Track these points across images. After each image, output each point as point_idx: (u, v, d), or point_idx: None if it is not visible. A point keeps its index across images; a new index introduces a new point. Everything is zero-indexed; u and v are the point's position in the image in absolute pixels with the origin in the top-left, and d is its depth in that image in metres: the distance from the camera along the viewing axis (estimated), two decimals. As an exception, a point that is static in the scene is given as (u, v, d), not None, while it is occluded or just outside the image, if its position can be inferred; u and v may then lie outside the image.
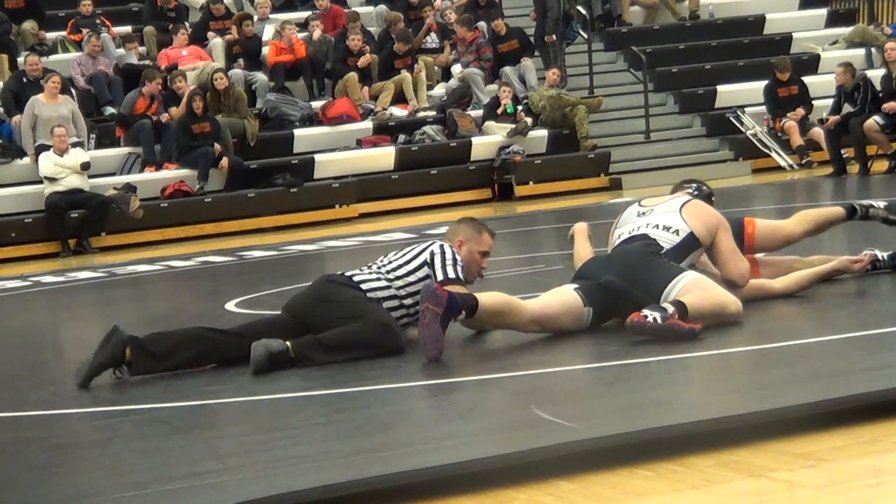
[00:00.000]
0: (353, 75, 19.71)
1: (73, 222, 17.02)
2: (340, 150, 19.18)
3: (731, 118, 20.29)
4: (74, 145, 17.31)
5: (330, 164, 18.94)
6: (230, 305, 9.76)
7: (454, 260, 6.89)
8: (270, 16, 21.03)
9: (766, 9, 23.43)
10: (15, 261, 16.50)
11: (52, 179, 17.03)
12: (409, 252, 7.03)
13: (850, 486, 4.13)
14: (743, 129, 20.11)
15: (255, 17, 20.67)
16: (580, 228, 7.56)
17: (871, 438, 4.62)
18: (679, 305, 6.47)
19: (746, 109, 20.30)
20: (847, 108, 17.89)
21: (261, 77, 19.76)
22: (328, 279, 7.06)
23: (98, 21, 20.33)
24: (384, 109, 19.77)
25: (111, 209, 17.16)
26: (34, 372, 7.95)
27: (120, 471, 4.95)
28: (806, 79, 20.03)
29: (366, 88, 19.92)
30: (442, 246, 6.96)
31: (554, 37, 20.99)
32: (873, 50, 21.42)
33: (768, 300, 7.27)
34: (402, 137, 19.49)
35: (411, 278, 6.89)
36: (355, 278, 6.92)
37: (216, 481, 4.60)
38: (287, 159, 18.86)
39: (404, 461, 4.63)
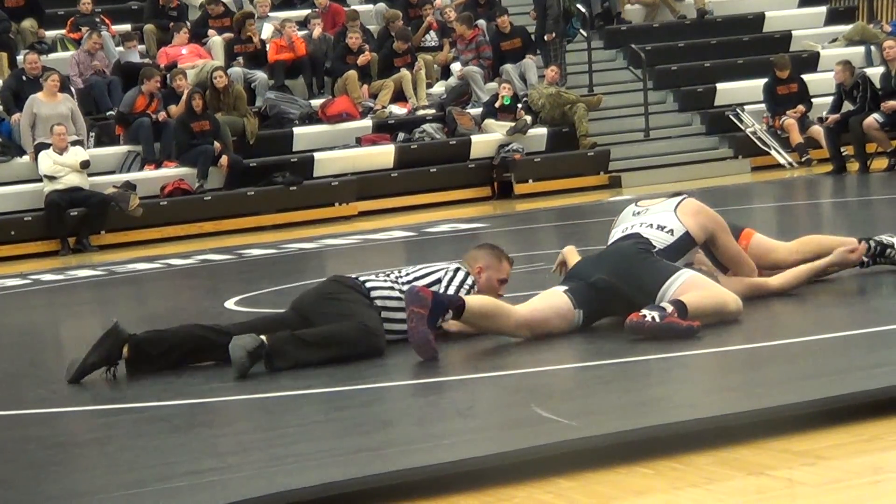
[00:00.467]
0: (352, 73, 19.71)
1: (73, 220, 17.02)
2: (340, 148, 19.18)
3: (731, 116, 20.28)
4: (74, 144, 17.31)
5: (329, 163, 18.93)
6: (230, 304, 9.76)
7: (462, 282, 6.94)
8: (270, 14, 21.01)
9: (766, 7, 23.43)
10: (14, 259, 16.50)
11: (51, 178, 17.03)
12: (427, 268, 7.08)
13: (850, 483, 4.13)
14: (742, 127, 20.10)
15: (255, 16, 20.66)
16: (568, 250, 7.54)
17: (871, 436, 4.62)
18: (679, 305, 6.47)
19: (746, 107, 20.29)
20: (847, 106, 17.88)
21: (260, 75, 19.76)
22: (335, 279, 7.07)
23: (98, 19, 20.32)
24: (384, 107, 19.76)
25: (110, 207, 17.16)
26: (34, 370, 7.96)
27: (119, 469, 4.95)
28: (805, 77, 20.02)
29: (365, 86, 19.92)
30: (457, 269, 7.02)
31: (554, 34, 20.98)
32: (873, 48, 21.40)
33: (766, 298, 7.27)
34: (401, 135, 19.49)
35: (419, 283, 6.89)
36: (367, 284, 6.91)
37: (216, 479, 4.60)
38: (286, 157, 18.86)
39: (404, 459, 4.63)
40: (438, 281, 6.96)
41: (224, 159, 18.00)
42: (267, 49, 20.04)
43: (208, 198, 17.88)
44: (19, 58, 19.22)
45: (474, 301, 6.63)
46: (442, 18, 21.34)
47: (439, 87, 20.62)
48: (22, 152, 17.80)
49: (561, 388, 5.89)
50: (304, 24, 20.85)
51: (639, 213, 7.21)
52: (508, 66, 20.41)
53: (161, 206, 17.67)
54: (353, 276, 7.06)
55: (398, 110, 19.89)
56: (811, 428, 4.69)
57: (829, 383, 5.24)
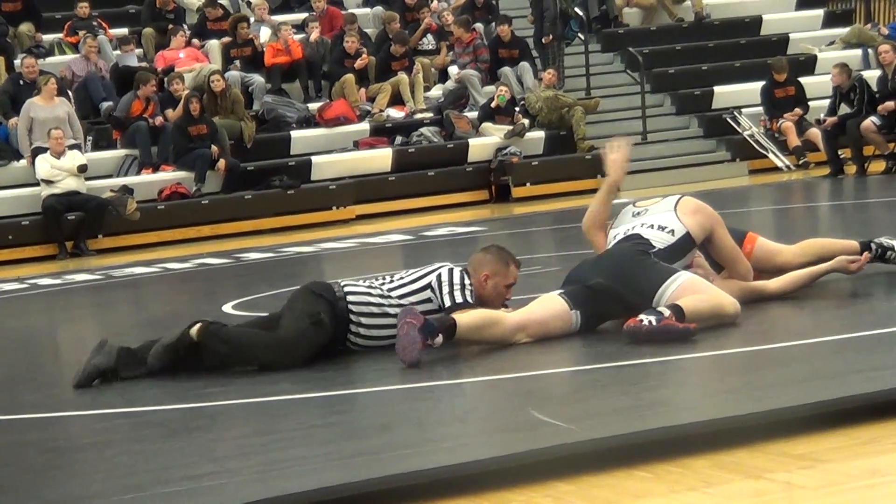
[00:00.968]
0: (349, 77, 19.71)
1: (70, 224, 17.01)
2: (337, 151, 19.18)
3: (728, 119, 20.29)
4: (71, 147, 17.31)
5: (327, 166, 18.93)
6: (227, 307, 9.76)
7: (462, 284, 6.83)
8: (267, 17, 21.00)
9: (763, 10, 23.44)
10: (12, 263, 16.48)
11: (48, 182, 17.02)
12: (415, 273, 6.99)
13: (848, 486, 4.13)
14: (740, 130, 20.11)
15: (252, 19, 20.66)
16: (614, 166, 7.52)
17: (869, 439, 4.62)
18: (676, 309, 6.47)
19: (743, 110, 20.30)
20: (844, 109, 17.89)
21: (258, 79, 19.75)
22: (308, 285, 7.02)
23: (95, 23, 20.31)
24: (381, 111, 19.76)
25: (108, 211, 17.15)
26: (31, 374, 7.95)
27: (118, 473, 4.95)
28: (803, 79, 20.04)
29: (363, 90, 19.91)
30: (451, 270, 6.88)
31: (551, 37, 20.98)
32: (870, 51, 21.41)
33: (764, 301, 7.27)
34: (399, 139, 19.49)
35: (413, 298, 6.83)
36: (346, 288, 6.89)
37: (214, 483, 4.60)
38: (284, 161, 18.85)
39: (402, 463, 4.63)
40: (430, 288, 6.89)
41: (221, 163, 18.00)
42: (264, 52, 20.03)
43: (206, 201, 17.88)
44: (16, 62, 19.22)
45: (465, 318, 6.59)
46: (440, 22, 21.35)
47: (437, 91, 20.62)
48: (19, 156, 17.79)
49: (559, 392, 5.89)
50: (301, 27, 20.85)
51: (638, 213, 7.21)
52: (506, 70, 20.42)
53: (158, 210, 17.66)
54: (340, 281, 7.03)
55: (396, 114, 19.88)
56: (809, 431, 4.69)
57: (827, 386, 5.24)
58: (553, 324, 6.76)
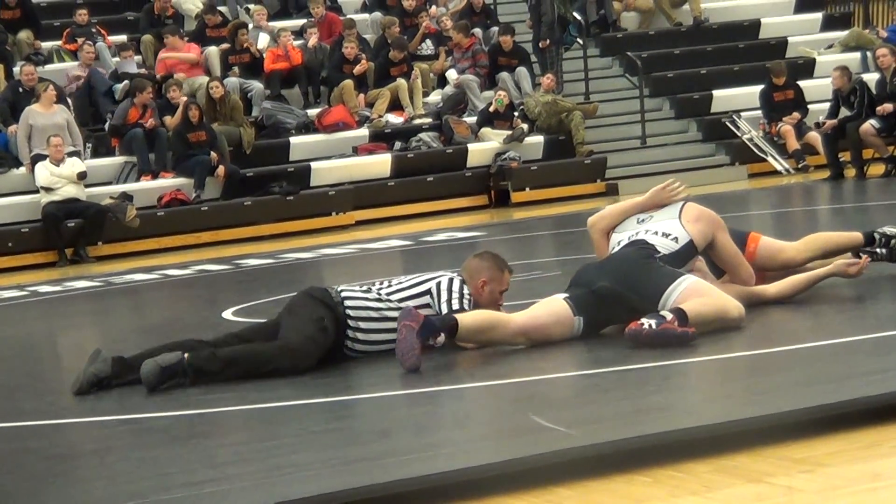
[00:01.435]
0: (348, 83, 19.71)
1: (70, 232, 17.00)
2: (336, 157, 19.17)
3: (727, 123, 20.29)
4: (70, 155, 17.31)
5: (326, 172, 18.93)
6: (227, 314, 9.75)
7: (461, 293, 6.85)
8: (266, 23, 20.99)
9: (762, 13, 23.43)
10: (12, 270, 16.48)
11: (48, 189, 17.02)
12: (415, 279, 7.01)
13: (849, 490, 4.13)
14: (739, 134, 20.10)
15: (251, 25, 20.66)
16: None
17: (870, 443, 4.62)
18: (678, 312, 6.46)
19: (742, 114, 20.30)
20: (844, 112, 17.89)
21: (257, 85, 19.75)
22: (307, 291, 7.02)
23: (94, 30, 20.32)
24: (380, 117, 19.76)
25: (108, 218, 17.14)
26: (32, 382, 7.95)
27: (118, 480, 4.95)
28: (801, 83, 20.05)
29: (361, 96, 19.91)
30: (451, 279, 6.92)
31: (549, 42, 20.99)
32: (868, 54, 21.40)
33: (765, 305, 7.26)
34: (398, 144, 19.49)
35: (411, 303, 6.81)
36: (343, 293, 6.88)
37: (214, 490, 4.60)
38: (283, 167, 18.86)
39: (402, 469, 4.63)
40: (429, 293, 6.90)
41: (221, 169, 18.00)
42: (263, 59, 20.03)
43: (205, 208, 17.88)
44: (16, 69, 19.22)
45: (467, 318, 6.60)
46: (438, 27, 21.35)
47: (435, 96, 20.62)
48: (19, 164, 17.79)
49: (559, 397, 5.89)
50: (300, 33, 20.85)
51: (643, 220, 7.21)
52: (504, 75, 20.43)
53: (158, 217, 17.66)
54: (337, 286, 7.03)
55: (395, 119, 19.88)
56: (810, 435, 4.69)
57: (828, 390, 5.24)
58: (555, 329, 6.75)
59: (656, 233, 7.06)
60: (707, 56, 22.18)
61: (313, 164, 18.94)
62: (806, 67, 21.59)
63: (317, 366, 6.70)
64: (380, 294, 6.90)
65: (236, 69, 19.89)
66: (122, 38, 20.69)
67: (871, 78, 18.57)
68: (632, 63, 21.15)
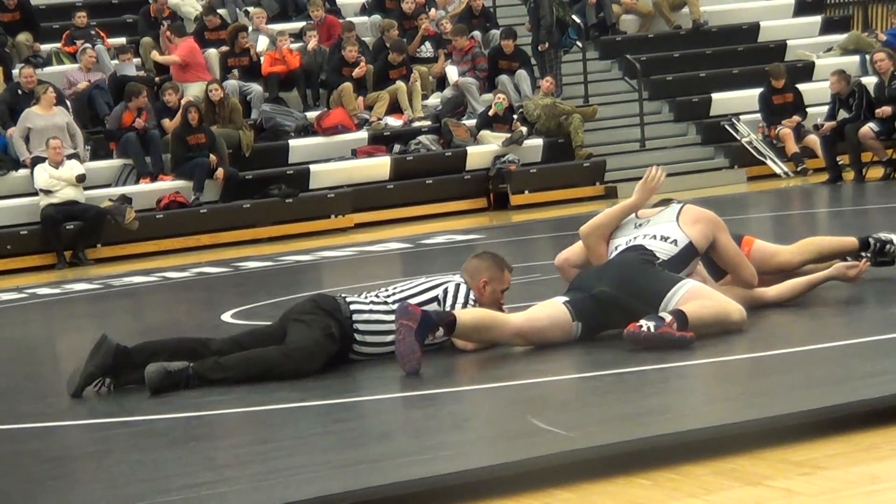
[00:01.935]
0: (347, 85, 19.71)
1: (69, 234, 17.00)
2: (335, 160, 19.18)
3: (726, 126, 20.30)
4: (70, 157, 17.30)
5: (325, 175, 18.93)
6: (226, 316, 9.75)
7: (466, 300, 6.88)
8: (265, 26, 20.99)
9: (761, 16, 23.45)
10: (11, 273, 16.48)
11: (47, 192, 17.02)
12: (422, 285, 7.02)
13: (848, 493, 4.13)
14: (738, 137, 20.11)
15: (250, 28, 20.66)
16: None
17: (869, 445, 4.62)
18: (678, 315, 6.46)
19: (741, 117, 20.32)
20: (842, 115, 17.89)
21: (256, 88, 19.76)
22: (313, 298, 7.03)
23: (93, 33, 20.32)
24: (379, 119, 19.77)
25: (107, 221, 17.14)
26: (30, 384, 7.95)
27: (116, 483, 4.95)
28: (801, 86, 20.06)
29: (360, 98, 19.92)
30: (458, 285, 6.95)
31: (547, 44, 20.99)
32: (867, 57, 21.41)
33: (763, 308, 7.26)
34: (397, 147, 19.49)
35: None
36: (352, 306, 6.87)
37: (213, 492, 4.60)
38: (282, 170, 18.86)
39: (401, 471, 4.63)
40: (436, 300, 6.90)
41: (220, 172, 18.01)
42: (262, 62, 20.03)
43: (204, 210, 17.88)
44: (15, 72, 19.22)
45: (466, 315, 6.61)
46: (438, 30, 21.35)
47: (435, 99, 20.62)
48: (18, 166, 17.79)
49: (558, 399, 5.89)
50: (299, 36, 20.85)
51: (640, 224, 7.20)
52: (503, 78, 20.44)
53: (157, 220, 17.66)
54: (344, 295, 7.03)
55: (394, 122, 19.89)
56: (809, 438, 4.69)
57: (827, 393, 5.24)
58: (553, 332, 6.75)
59: (654, 237, 7.05)
60: (706, 59, 22.19)
61: (312, 167, 18.94)
62: (805, 71, 21.60)
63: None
64: (387, 302, 6.90)
65: (235, 72, 19.90)
66: (122, 40, 20.69)
67: (870, 81, 18.58)
68: (631, 66, 21.15)
